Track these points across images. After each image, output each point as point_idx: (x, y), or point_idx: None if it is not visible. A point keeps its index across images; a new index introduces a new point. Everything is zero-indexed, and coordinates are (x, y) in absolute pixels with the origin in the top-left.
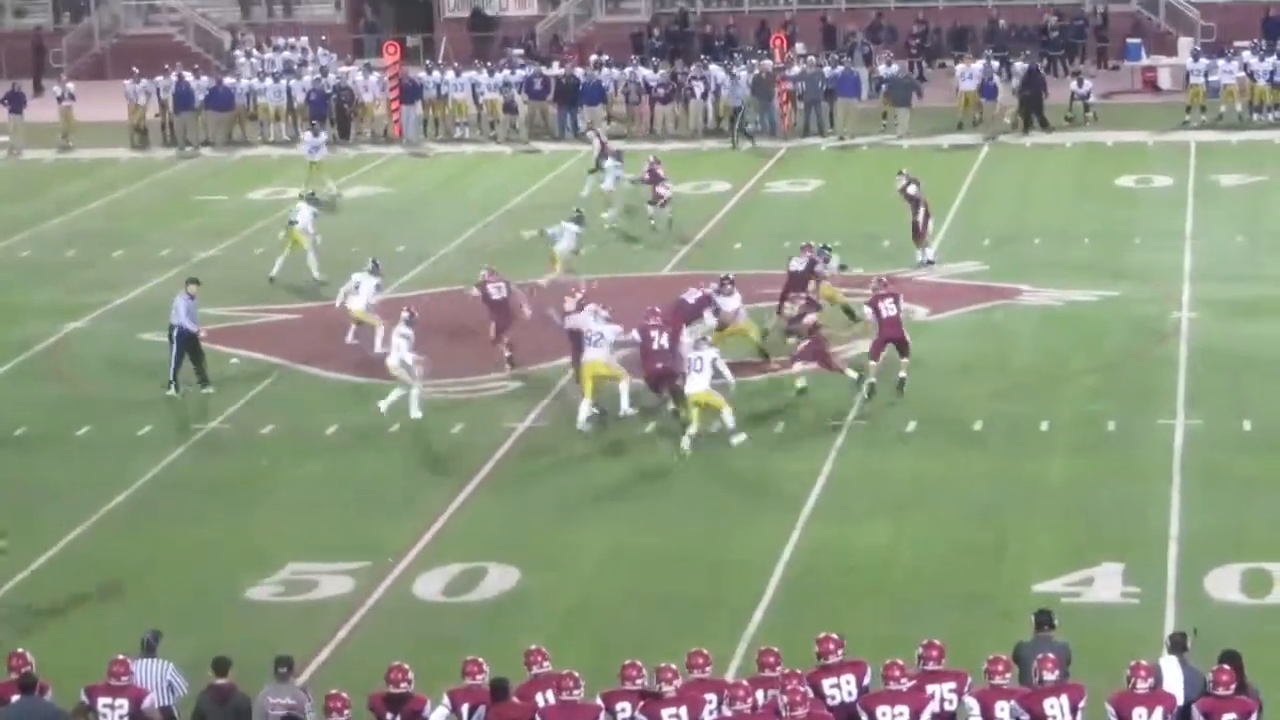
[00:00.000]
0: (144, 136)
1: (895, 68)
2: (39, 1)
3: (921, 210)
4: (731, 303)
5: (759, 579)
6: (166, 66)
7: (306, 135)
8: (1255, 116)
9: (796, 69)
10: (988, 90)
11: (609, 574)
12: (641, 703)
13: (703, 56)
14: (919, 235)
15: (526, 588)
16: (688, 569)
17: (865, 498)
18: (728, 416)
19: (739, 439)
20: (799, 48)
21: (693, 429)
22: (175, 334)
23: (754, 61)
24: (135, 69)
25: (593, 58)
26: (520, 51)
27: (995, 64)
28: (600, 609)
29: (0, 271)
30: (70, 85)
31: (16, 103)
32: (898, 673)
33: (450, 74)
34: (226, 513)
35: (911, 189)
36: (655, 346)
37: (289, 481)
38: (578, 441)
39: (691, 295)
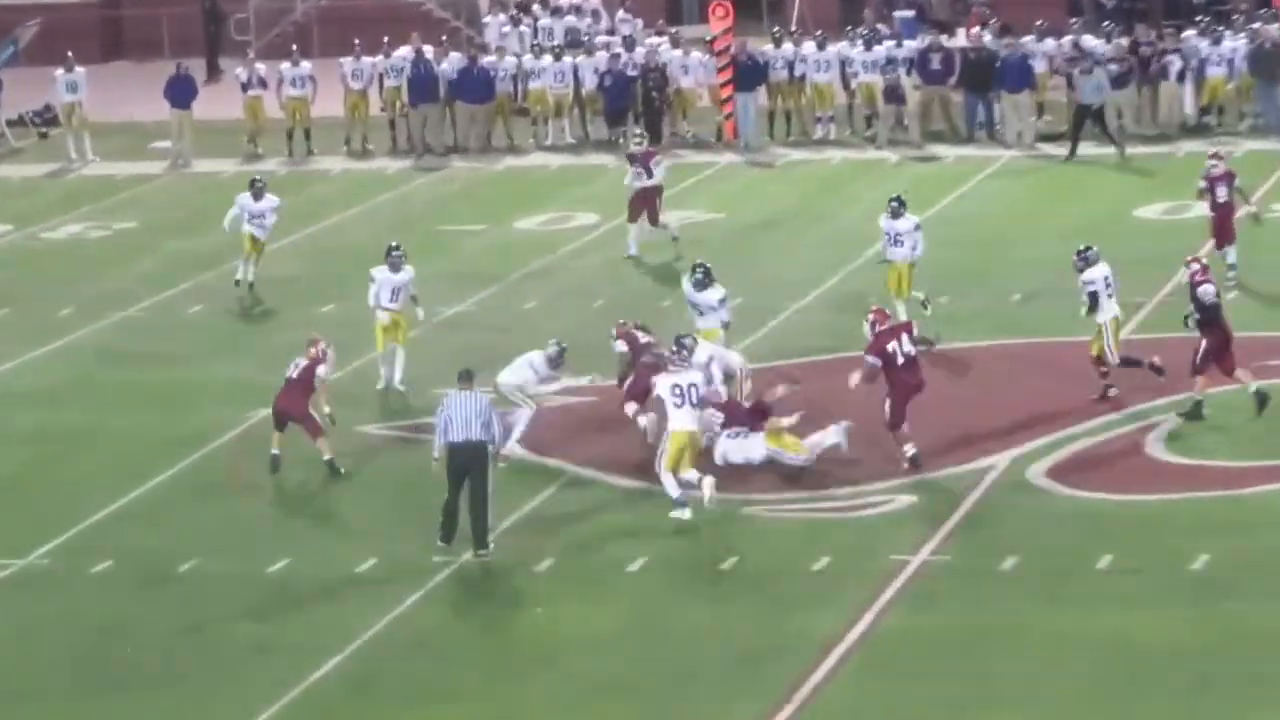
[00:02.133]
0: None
1: None
2: None
3: None
4: None
5: None
6: (385, 39)
7: (243, 197)
8: None
9: None
10: None
11: None
12: None
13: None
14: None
15: None
16: None
17: None
18: (694, 475)
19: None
20: None
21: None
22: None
23: (1253, 28)
24: (357, 42)
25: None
26: (910, 13)
27: None
28: None
29: (164, 336)
30: (260, 68)
31: (182, 93)
32: None
33: (809, 46)
34: (486, 684)
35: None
36: (901, 361)
37: (577, 641)
38: (992, 583)
39: None
